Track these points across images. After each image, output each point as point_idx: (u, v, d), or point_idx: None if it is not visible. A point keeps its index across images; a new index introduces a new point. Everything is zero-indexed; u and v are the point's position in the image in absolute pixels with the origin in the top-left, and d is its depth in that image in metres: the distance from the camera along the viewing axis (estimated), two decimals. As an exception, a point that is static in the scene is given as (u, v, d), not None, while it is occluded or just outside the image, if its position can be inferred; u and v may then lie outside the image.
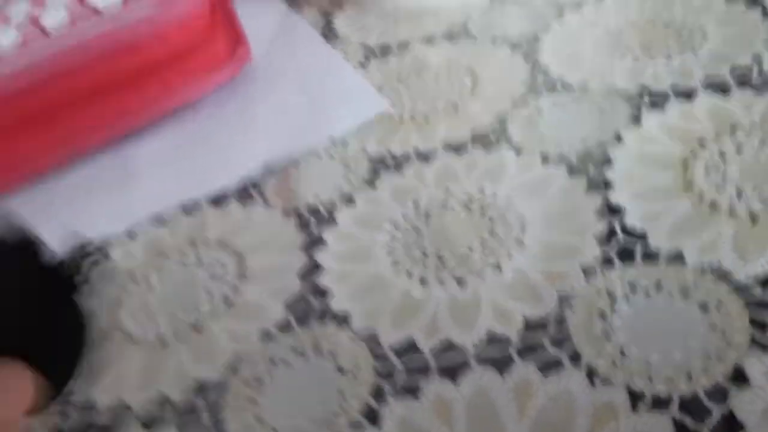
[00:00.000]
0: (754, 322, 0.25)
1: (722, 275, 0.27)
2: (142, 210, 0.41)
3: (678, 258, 0.28)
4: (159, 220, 0.40)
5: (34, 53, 0.44)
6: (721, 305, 0.26)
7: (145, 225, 0.40)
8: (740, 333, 0.25)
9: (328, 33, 0.53)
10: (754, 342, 0.24)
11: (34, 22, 0.46)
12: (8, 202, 0.45)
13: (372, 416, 0.26)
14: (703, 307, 0.26)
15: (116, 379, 0.31)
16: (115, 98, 0.45)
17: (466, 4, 0.49)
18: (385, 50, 0.48)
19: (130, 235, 0.40)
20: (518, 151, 0.36)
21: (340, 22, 0.53)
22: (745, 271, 0.27)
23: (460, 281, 0.30)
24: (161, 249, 0.38)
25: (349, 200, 0.37)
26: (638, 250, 0.29)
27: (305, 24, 0.54)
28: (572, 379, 0.25)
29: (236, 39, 0.49)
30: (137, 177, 0.44)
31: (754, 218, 0.28)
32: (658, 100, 0.36)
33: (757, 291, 0.26)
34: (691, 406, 0.23)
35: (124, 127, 0.46)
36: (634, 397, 0.24)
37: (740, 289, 0.26)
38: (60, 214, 0.43)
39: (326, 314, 0.31)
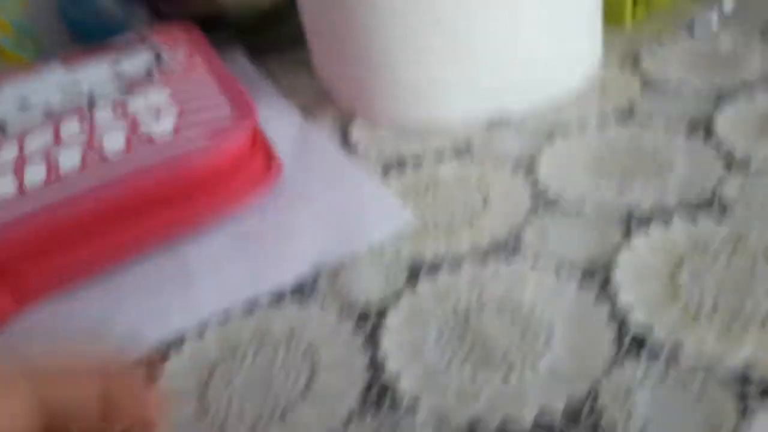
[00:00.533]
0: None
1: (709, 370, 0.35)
2: (209, 303, 0.47)
3: (674, 357, 0.37)
4: (226, 317, 0.46)
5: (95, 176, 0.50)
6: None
7: (211, 323, 0.46)
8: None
9: (346, 145, 0.60)
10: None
11: (94, 147, 0.52)
12: (75, 302, 0.50)
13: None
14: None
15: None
16: (168, 211, 0.52)
17: (467, 125, 0.59)
18: (401, 163, 0.56)
19: (200, 333, 0.45)
20: (534, 264, 0.44)
21: (356, 135, 0.61)
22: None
23: (504, 379, 0.38)
24: (234, 345, 0.44)
25: (395, 303, 0.44)
26: (643, 352, 0.37)
27: (324, 137, 0.62)
28: (607, 456, 0.33)
29: (269, 154, 0.56)
30: (199, 275, 0.49)
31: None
32: (644, 223, 0.45)
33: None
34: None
35: (177, 236, 0.52)
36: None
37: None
38: (123, 314, 0.48)
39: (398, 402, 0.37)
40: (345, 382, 0.39)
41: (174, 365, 0.44)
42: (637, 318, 0.39)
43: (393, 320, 0.43)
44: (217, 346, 0.44)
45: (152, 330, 0.46)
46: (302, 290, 0.47)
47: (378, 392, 0.38)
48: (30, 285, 0.50)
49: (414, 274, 0.46)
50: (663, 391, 0.35)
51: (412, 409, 0.37)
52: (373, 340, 0.42)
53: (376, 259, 0.48)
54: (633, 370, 0.36)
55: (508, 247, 0.46)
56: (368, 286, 0.46)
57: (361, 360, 0.41)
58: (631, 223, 0.46)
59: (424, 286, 0.45)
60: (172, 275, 0.50)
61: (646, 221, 0.46)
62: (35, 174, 0.51)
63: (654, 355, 0.37)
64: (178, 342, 0.45)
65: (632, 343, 0.38)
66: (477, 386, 0.38)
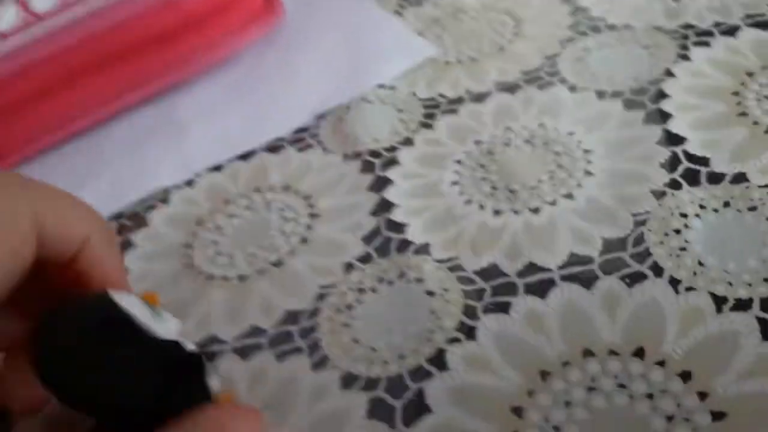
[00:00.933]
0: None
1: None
2: (200, 160, 0.42)
3: (741, 179, 0.30)
4: (217, 169, 0.41)
5: (78, 10, 0.45)
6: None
7: (203, 174, 0.41)
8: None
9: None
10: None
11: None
12: (60, 156, 0.45)
13: (468, 331, 0.28)
14: (773, 220, 0.28)
15: (203, 317, 0.32)
16: (157, 53, 0.46)
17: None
18: (417, -4, 0.48)
19: (189, 183, 0.40)
20: (572, 88, 0.37)
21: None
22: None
23: (534, 210, 0.32)
24: (225, 196, 0.39)
25: (408, 142, 0.38)
26: (703, 174, 0.31)
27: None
28: (657, 288, 0.27)
29: (270, -8, 0.49)
30: (189, 129, 0.44)
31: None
32: (703, 37, 0.37)
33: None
34: (773, 305, 0.25)
35: (168, 81, 0.46)
36: (718, 301, 0.26)
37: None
38: (113, 167, 0.43)
39: (405, 246, 0.32)
40: (349, 229, 0.34)
41: (161, 215, 0.39)
42: (696, 138, 0.32)
43: (405, 160, 0.37)
44: (207, 195, 0.39)
45: (140, 185, 0.42)
46: (303, 135, 0.41)
47: (384, 237, 0.33)
48: (12, 138, 0.46)
49: (431, 114, 0.39)
50: (724, 218, 0.29)
51: (424, 250, 0.32)
52: (381, 182, 0.36)
53: (388, 99, 0.41)
54: (690, 195, 0.30)
55: (543, 73, 0.39)
56: (378, 128, 0.40)
57: (368, 203, 0.35)
58: (688, 38, 0.38)
59: (442, 122, 0.38)
60: (162, 128, 0.45)
61: (706, 34, 0.38)
62: (7, 15, 0.45)
63: (715, 180, 0.30)
64: (165, 192, 0.40)
65: (688, 169, 0.31)
66: (500, 224, 0.32)
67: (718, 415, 0.23)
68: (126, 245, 0.38)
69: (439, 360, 0.27)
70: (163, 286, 0.35)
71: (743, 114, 0.33)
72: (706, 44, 0.37)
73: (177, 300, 0.34)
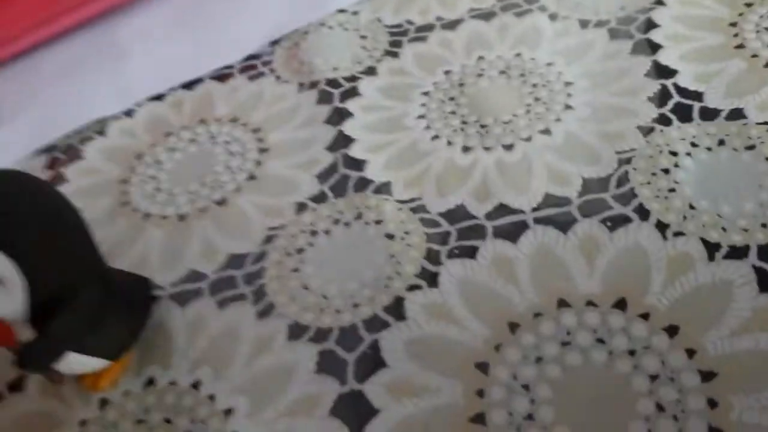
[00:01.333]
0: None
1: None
2: (140, 89, 0.37)
3: (738, 115, 0.27)
4: (159, 98, 0.36)
5: None
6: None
7: (143, 103, 0.36)
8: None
9: None
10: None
11: None
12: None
13: (430, 278, 0.25)
14: (772, 160, 0.25)
15: (139, 259, 0.29)
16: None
17: None
18: None
19: (128, 113, 0.36)
20: (553, 17, 0.34)
21: None
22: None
23: (507, 147, 0.28)
24: (166, 128, 0.35)
25: (371, 71, 0.34)
26: (695, 109, 0.28)
27: None
28: (642, 233, 0.24)
29: None
30: (130, 55, 0.40)
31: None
32: (699, -38, 0.34)
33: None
34: (771, 253, 0.23)
35: (107, 3, 0.41)
36: (710, 248, 0.23)
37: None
38: (46, 96, 0.39)
39: (364, 185, 0.29)
40: (302, 166, 0.30)
41: (97, 148, 0.35)
42: (688, 71, 0.29)
43: (367, 90, 0.33)
44: (147, 127, 0.35)
45: (75, 115, 0.37)
46: (254, 63, 0.37)
47: (341, 175, 0.29)
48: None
49: (397, 41, 0.35)
50: (718, 157, 0.26)
51: (384, 189, 0.28)
52: (339, 114, 0.32)
53: (349, 24, 0.37)
54: (680, 132, 0.27)
55: (522, 3, 0.35)
56: (338, 55, 0.36)
57: (324, 138, 0.31)
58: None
59: (408, 50, 0.35)
60: (100, 53, 0.41)
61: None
62: None
63: (709, 116, 0.27)
64: (102, 122, 0.36)
65: (679, 104, 0.28)
66: (470, 161, 0.28)
67: (707, 375, 0.20)
68: (58, 179, 0.34)
69: (397, 309, 0.24)
70: (97, 224, 0.31)
71: (741, 46, 0.30)
72: (702, -30, 0.33)
73: (111, 239, 0.30)
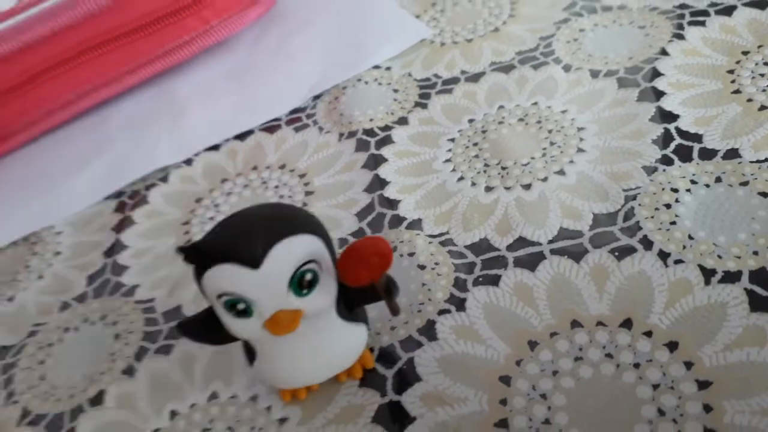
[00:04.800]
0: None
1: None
2: (198, 140, 0.42)
3: (733, 154, 0.30)
4: (215, 148, 0.41)
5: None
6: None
7: (201, 153, 0.41)
8: (802, 212, 0.27)
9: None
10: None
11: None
12: (62, 137, 0.46)
13: (458, 303, 0.28)
14: (763, 194, 0.28)
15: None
16: (155, 35, 0.46)
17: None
18: (416, -20, 0.48)
19: (188, 162, 0.41)
20: (567, 68, 0.37)
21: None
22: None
23: (526, 186, 0.32)
24: (222, 175, 0.39)
25: (403, 121, 0.38)
26: (695, 150, 0.31)
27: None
28: (645, 261, 0.27)
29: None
30: (188, 110, 0.44)
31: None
32: (698, 17, 0.37)
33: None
34: (761, 277, 0.25)
35: (166, 64, 0.47)
36: (706, 273, 0.26)
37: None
38: (114, 147, 0.44)
39: (398, 222, 0.32)
40: (343, 206, 0.34)
41: (160, 193, 0.39)
42: (689, 115, 0.32)
43: (400, 138, 0.37)
44: (204, 174, 0.40)
45: (140, 164, 0.42)
46: (299, 115, 0.41)
47: (378, 213, 0.33)
48: (14, 120, 0.46)
49: (426, 93, 0.40)
50: (715, 192, 0.29)
51: (416, 225, 0.32)
52: (375, 160, 0.36)
53: (383, 79, 0.41)
54: (681, 171, 0.30)
55: (538, 54, 0.39)
56: (373, 107, 0.40)
57: (362, 181, 0.35)
58: (684, 18, 0.38)
59: (436, 102, 0.39)
60: (162, 109, 0.45)
61: (701, 14, 0.38)
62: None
63: (707, 156, 0.30)
64: (165, 170, 0.41)
65: (680, 146, 0.31)
66: (492, 199, 0.32)
67: (703, 384, 0.23)
68: (127, 222, 0.38)
69: (429, 331, 0.27)
70: (163, 260, 0.35)
71: (737, 92, 0.33)
72: (702, 23, 0.37)
73: (176, 275, 0.34)
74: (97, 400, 0.29)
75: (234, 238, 0.22)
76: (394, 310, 0.24)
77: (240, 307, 0.22)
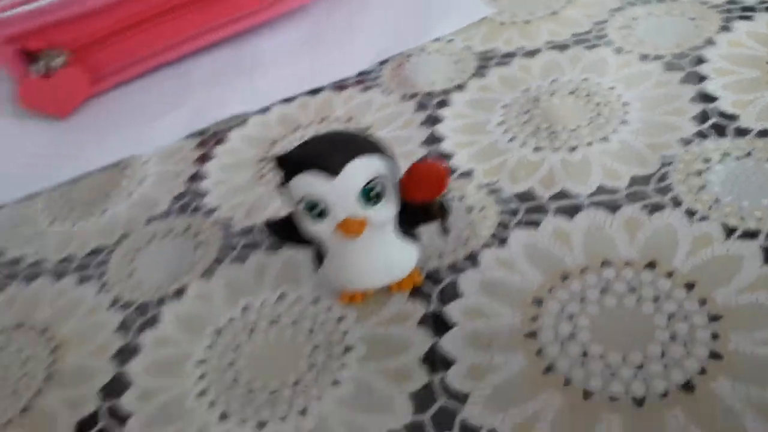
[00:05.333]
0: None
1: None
2: (274, 93, 0.46)
3: (766, 134, 0.33)
4: (288, 101, 0.45)
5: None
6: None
7: (276, 104, 0.45)
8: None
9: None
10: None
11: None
12: (150, 82, 0.51)
13: (500, 240, 0.31)
14: (788, 168, 0.31)
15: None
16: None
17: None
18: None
19: (264, 111, 0.45)
20: (618, 50, 0.41)
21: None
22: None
23: (572, 149, 0.35)
24: (295, 123, 0.43)
25: (461, 88, 0.42)
26: (730, 128, 0.34)
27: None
28: (674, 216, 0.30)
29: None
30: (265, 66, 0.49)
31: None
32: (746, 12, 0.40)
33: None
34: (777, 236, 0.28)
35: (244, 26, 0.51)
36: (728, 231, 0.29)
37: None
38: (197, 94, 0.48)
39: (452, 172, 0.36)
40: (402, 156, 0.38)
41: (239, 135, 0.44)
42: (728, 98, 0.35)
43: (457, 102, 0.41)
44: (279, 121, 0.44)
45: (220, 110, 0.47)
46: (365, 78, 0.45)
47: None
48: (105, 68, 0.51)
49: (484, 65, 0.43)
50: (744, 165, 0.32)
51: (468, 175, 0.35)
52: (433, 119, 0.40)
53: (445, 50, 0.45)
54: (715, 144, 0.33)
55: (592, 37, 0.42)
56: (434, 74, 0.43)
57: (419, 136, 0.39)
58: (732, 12, 0.41)
59: (493, 72, 0.42)
60: (242, 64, 0.50)
61: (749, 9, 0.40)
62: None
63: (741, 134, 0.33)
64: (243, 117, 0.45)
65: (717, 123, 0.34)
66: (539, 158, 0.35)
67: (714, 318, 0.26)
68: (206, 157, 0.42)
69: (473, 259, 0.31)
70: (240, 190, 0.39)
71: (775, 80, 0.35)
72: (749, 18, 0.40)
73: (250, 202, 0.38)
74: (178, 294, 0.33)
75: (318, 151, 0.26)
76: (445, 231, 0.28)
77: (317, 210, 0.26)
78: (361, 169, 0.25)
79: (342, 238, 0.26)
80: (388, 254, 0.28)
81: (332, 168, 0.25)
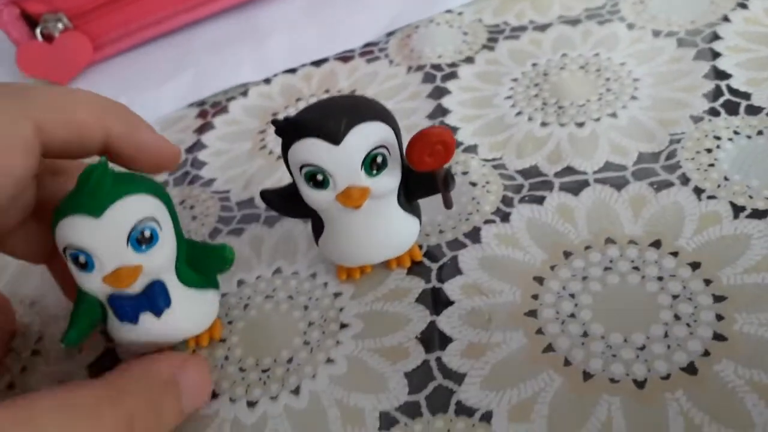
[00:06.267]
0: None
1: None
2: (276, 63, 0.45)
3: (777, 113, 0.32)
4: (291, 71, 0.44)
5: None
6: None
7: (279, 75, 0.44)
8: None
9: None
10: None
11: None
12: (150, 50, 0.50)
13: (503, 216, 0.31)
14: (801, 148, 0.30)
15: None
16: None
17: None
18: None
19: (266, 81, 0.44)
20: (630, 26, 0.39)
21: None
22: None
23: (579, 124, 0.34)
24: (298, 94, 0.42)
25: (470, 60, 0.41)
26: (742, 106, 0.33)
27: None
28: (681, 194, 0.29)
29: None
30: (269, 36, 0.48)
31: None
32: (765, -12, 0.39)
33: None
34: (787, 217, 0.27)
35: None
36: (736, 209, 0.28)
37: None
38: (198, 62, 0.48)
39: (456, 145, 0.35)
40: (405, 129, 0.37)
41: (239, 105, 0.43)
42: (741, 75, 0.34)
43: (465, 74, 0.40)
44: (281, 92, 0.43)
45: (222, 79, 0.46)
46: (372, 48, 0.44)
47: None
48: (105, 36, 0.50)
49: (494, 38, 0.42)
50: (755, 144, 0.31)
51: (472, 149, 0.35)
52: (440, 92, 0.39)
53: (454, 22, 0.44)
54: (726, 122, 0.32)
55: (604, 11, 0.41)
56: (443, 46, 0.42)
57: (425, 108, 0.38)
58: (752, -13, 0.39)
59: (503, 45, 0.41)
60: (245, 33, 0.49)
61: (770, -15, 0.39)
62: None
63: (753, 112, 0.32)
64: (244, 86, 0.44)
65: (729, 101, 0.33)
66: (546, 133, 0.34)
67: (718, 298, 0.26)
68: (206, 127, 0.42)
69: (474, 235, 0.30)
70: (239, 160, 0.39)
71: (791, 58, 0.34)
72: (767, -6, 0.38)
73: (250, 173, 0.37)
74: (175, 263, 0.33)
75: (320, 117, 0.25)
76: (448, 202, 0.27)
77: (318, 179, 0.25)
78: (363, 137, 0.25)
79: (343, 208, 0.26)
80: (387, 228, 0.27)
81: (334, 135, 0.24)
